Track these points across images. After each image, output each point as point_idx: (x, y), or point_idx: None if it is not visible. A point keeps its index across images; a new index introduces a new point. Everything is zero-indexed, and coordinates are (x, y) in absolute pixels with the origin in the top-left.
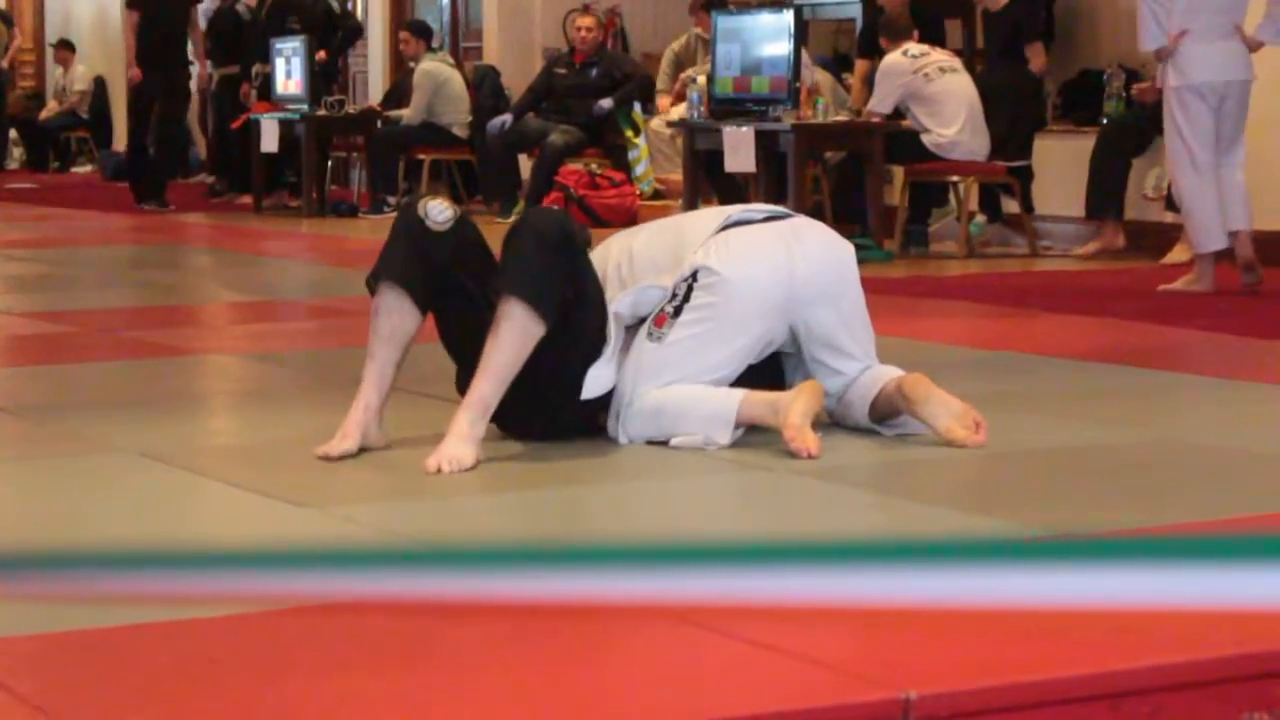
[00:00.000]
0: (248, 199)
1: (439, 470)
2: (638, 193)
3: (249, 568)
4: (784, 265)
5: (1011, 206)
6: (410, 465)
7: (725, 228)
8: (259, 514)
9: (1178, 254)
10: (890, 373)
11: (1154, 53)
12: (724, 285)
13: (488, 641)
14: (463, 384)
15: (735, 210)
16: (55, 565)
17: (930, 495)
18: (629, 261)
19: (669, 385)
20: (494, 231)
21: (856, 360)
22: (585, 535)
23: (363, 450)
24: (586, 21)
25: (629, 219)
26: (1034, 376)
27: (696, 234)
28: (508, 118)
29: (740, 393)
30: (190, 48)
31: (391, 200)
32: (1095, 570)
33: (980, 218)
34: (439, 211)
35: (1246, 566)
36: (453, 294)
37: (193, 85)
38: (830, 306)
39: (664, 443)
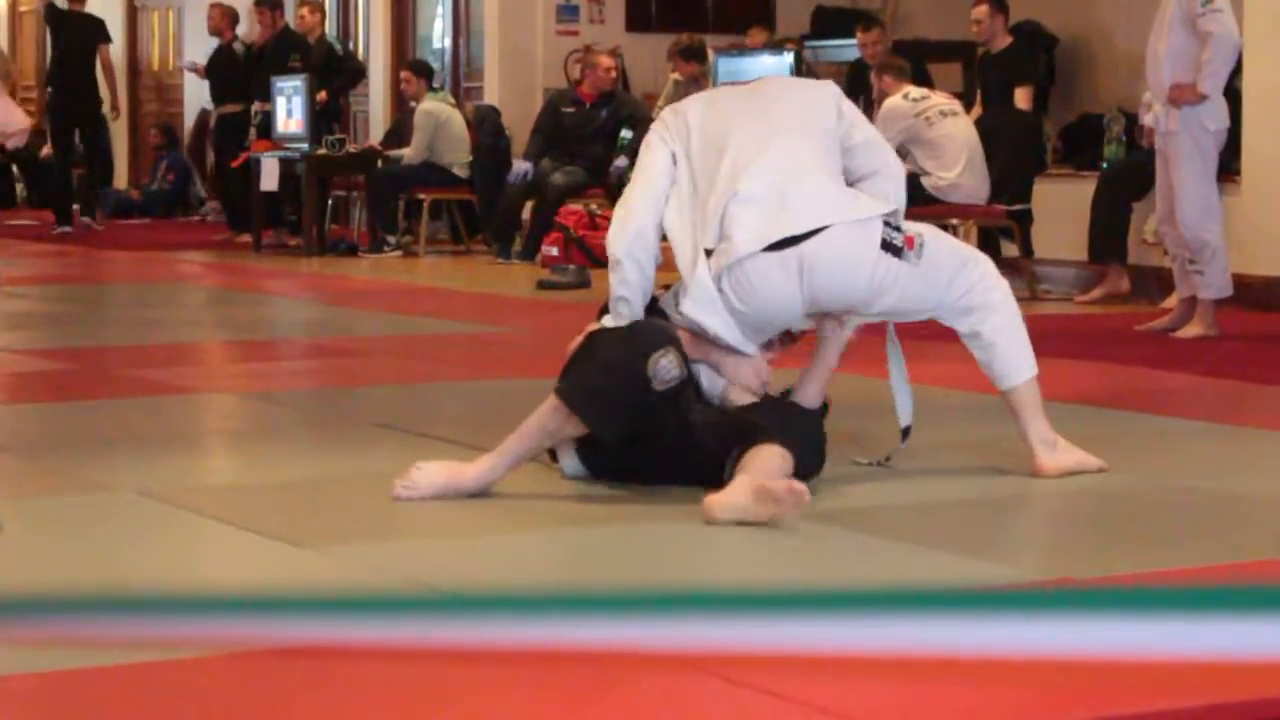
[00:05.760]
0: (247, 237)
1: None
2: None
3: (246, 612)
4: (797, 294)
5: (1011, 250)
6: (410, 506)
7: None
8: (256, 554)
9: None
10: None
11: (1202, 95)
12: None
13: (492, 688)
14: None
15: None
16: (51, 610)
17: (927, 539)
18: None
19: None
20: (494, 271)
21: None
22: (588, 580)
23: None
24: (609, 62)
25: None
26: None
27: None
28: (528, 167)
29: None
30: None
31: (391, 239)
32: (1092, 619)
33: None
34: (666, 371)
35: (1237, 617)
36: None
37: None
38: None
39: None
